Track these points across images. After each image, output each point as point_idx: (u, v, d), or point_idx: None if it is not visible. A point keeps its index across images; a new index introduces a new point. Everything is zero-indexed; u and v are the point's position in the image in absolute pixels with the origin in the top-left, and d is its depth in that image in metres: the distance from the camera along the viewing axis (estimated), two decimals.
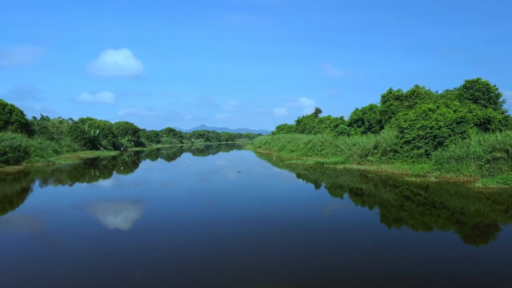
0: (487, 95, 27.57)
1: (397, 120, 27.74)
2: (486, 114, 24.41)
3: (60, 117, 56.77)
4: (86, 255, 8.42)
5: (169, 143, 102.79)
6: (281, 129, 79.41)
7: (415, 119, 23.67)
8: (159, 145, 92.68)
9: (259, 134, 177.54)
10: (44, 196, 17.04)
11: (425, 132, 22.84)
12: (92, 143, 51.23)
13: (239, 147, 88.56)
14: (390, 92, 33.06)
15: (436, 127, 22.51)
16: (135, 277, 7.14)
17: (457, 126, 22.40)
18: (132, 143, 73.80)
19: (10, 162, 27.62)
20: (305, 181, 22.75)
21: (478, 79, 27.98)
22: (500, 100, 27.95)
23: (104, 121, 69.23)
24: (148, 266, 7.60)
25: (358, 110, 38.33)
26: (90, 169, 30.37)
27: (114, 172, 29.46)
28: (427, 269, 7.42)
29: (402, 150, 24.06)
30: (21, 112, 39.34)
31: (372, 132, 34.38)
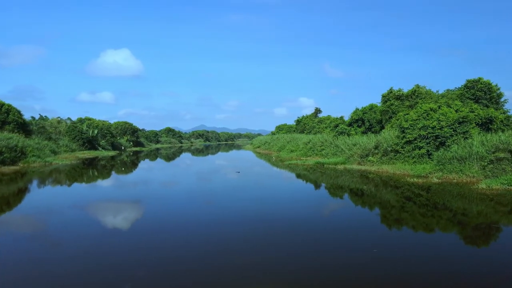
0: (489, 94, 27.38)
1: (398, 120, 27.57)
2: (488, 114, 24.24)
3: (59, 117, 56.53)
4: (86, 255, 8.36)
5: (168, 143, 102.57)
6: (280, 129, 79.24)
7: (417, 119, 23.47)
8: (158, 145, 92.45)
9: (259, 134, 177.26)
10: (41, 197, 16.91)
11: (426, 132, 22.64)
12: (91, 143, 50.97)
13: (238, 147, 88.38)
14: (391, 92, 32.88)
15: (438, 127, 22.30)
16: (135, 277, 7.06)
17: (459, 126, 22.17)
18: (131, 143, 73.57)
19: (6, 162, 27.34)
20: (305, 181, 22.57)
21: (480, 78, 27.78)
22: (502, 100, 27.79)
23: (103, 121, 68.98)
24: (148, 266, 7.54)
25: (358, 110, 38.14)
26: (88, 169, 30.17)
27: (113, 172, 29.26)
28: (427, 269, 7.36)
29: (403, 150, 23.85)
30: (19, 112, 39.10)
31: (372, 132, 34.22)
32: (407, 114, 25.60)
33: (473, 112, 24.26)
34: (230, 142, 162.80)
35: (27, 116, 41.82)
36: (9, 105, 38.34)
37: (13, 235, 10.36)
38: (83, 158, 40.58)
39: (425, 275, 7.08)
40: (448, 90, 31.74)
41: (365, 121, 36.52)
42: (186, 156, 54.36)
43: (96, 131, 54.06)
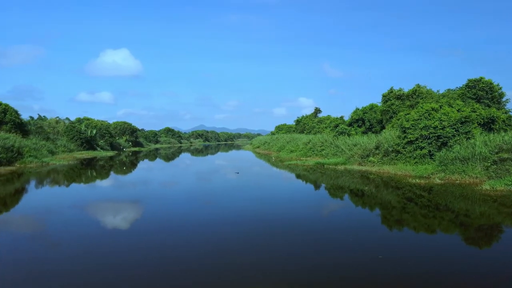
0: (491, 94, 27.22)
1: (398, 119, 27.38)
2: (490, 114, 24.04)
3: (57, 117, 56.25)
4: (86, 255, 8.35)
5: (168, 143, 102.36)
6: (280, 129, 79.11)
7: (418, 119, 23.26)
8: (158, 145, 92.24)
9: (258, 134, 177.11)
10: (38, 197, 16.79)
11: (428, 132, 22.44)
12: (89, 144, 50.69)
13: (238, 147, 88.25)
14: (391, 92, 32.73)
15: (440, 127, 22.08)
16: (135, 277, 7.02)
17: (461, 126, 21.94)
18: (130, 143, 73.32)
19: (2, 163, 27.10)
20: (305, 181, 22.40)
21: (481, 78, 27.60)
22: (504, 99, 27.62)
23: (102, 121, 68.70)
24: (148, 266, 7.52)
25: (358, 109, 37.97)
26: (87, 170, 29.95)
27: (112, 172, 29.05)
28: (427, 270, 7.30)
29: (405, 150, 23.65)
30: (16, 112, 38.83)
31: (372, 132, 34.06)
32: (408, 114, 25.40)
33: (474, 112, 24.06)
34: (230, 142, 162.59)
35: (26, 116, 41.65)
36: (6, 105, 38.08)
37: (12, 235, 10.30)
38: (81, 158, 40.31)
39: (426, 275, 7.05)
40: (449, 89, 31.58)
41: (365, 121, 36.35)
42: (185, 156, 54.16)
43: (94, 131, 53.79)
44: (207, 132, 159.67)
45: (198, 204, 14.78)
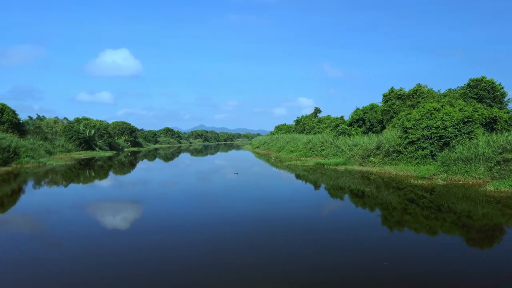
0: (492, 94, 27.05)
1: (399, 119, 27.21)
2: (492, 114, 23.87)
3: (56, 117, 55.98)
4: (86, 255, 8.34)
5: (167, 143, 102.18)
6: (280, 129, 78.95)
7: (420, 119, 23.04)
8: (157, 145, 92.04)
9: (258, 134, 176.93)
10: (37, 197, 16.68)
11: (430, 132, 22.22)
12: (87, 144, 50.44)
13: (237, 147, 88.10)
14: (392, 91, 32.57)
15: (442, 127, 21.85)
16: (135, 277, 7.00)
17: (463, 126, 21.70)
18: (129, 143, 73.07)
19: None
20: (305, 182, 22.21)
21: (483, 77, 27.41)
22: (506, 99, 27.44)
23: (100, 121, 68.56)
24: (148, 266, 7.51)
25: (359, 109, 37.80)
26: (85, 170, 29.72)
27: (111, 173, 28.84)
28: (427, 270, 7.28)
29: (406, 151, 23.45)
30: (13, 112, 38.63)
31: (373, 132, 33.90)
32: (409, 113, 25.22)
33: (477, 111, 23.88)
34: (229, 142, 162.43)
35: (25, 116, 41.35)
36: (3, 105, 37.85)
37: (12, 235, 10.25)
38: (79, 158, 40.08)
39: (426, 276, 7.05)
40: (450, 89, 31.42)
41: (366, 121, 36.17)
42: (185, 156, 53.98)
43: (93, 131, 53.52)
44: (207, 132, 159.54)
45: (198, 204, 14.67)
